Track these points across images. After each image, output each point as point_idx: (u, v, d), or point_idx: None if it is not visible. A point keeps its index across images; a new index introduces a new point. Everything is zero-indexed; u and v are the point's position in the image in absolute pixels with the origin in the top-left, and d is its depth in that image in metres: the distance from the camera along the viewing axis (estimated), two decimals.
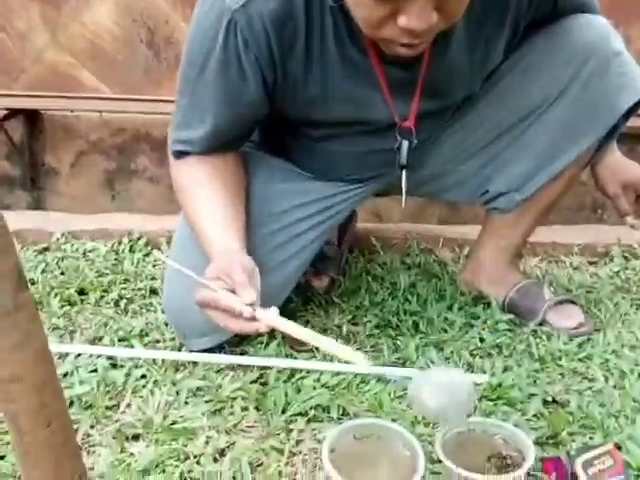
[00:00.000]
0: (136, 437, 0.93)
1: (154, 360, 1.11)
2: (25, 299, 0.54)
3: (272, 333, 1.10)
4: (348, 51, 1.00)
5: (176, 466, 0.87)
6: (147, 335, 1.20)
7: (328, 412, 0.98)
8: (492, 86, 1.17)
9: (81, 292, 1.37)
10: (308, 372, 1.07)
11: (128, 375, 1.07)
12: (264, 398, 1.01)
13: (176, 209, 1.16)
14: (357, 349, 1.07)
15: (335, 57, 1.00)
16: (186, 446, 0.91)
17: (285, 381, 1.06)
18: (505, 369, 1.11)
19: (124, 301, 1.33)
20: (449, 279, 1.43)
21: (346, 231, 1.54)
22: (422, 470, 0.76)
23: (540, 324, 1.25)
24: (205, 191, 1.07)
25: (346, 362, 0.90)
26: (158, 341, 1.19)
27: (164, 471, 0.86)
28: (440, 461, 0.80)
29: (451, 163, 1.26)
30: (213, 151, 1.09)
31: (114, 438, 0.93)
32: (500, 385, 1.04)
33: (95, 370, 1.08)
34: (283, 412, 0.98)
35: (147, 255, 1.55)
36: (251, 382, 1.06)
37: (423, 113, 1.10)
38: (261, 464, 0.89)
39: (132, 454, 0.89)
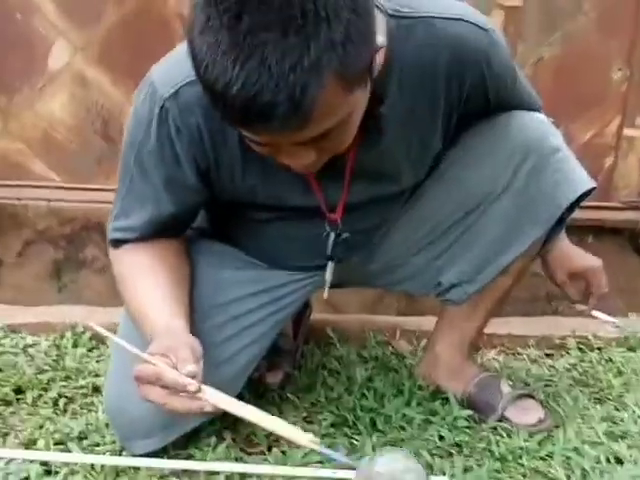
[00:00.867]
0: None
1: (92, 465, 1.04)
2: None
3: (221, 435, 1.05)
4: None
5: None
6: (86, 438, 1.13)
7: None
8: (436, 180, 1.18)
9: (18, 390, 1.29)
10: (259, 477, 1.02)
11: None
12: None
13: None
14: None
15: None
16: None
17: None
18: (465, 469, 1.07)
19: (63, 400, 1.26)
20: (407, 372, 1.40)
21: (301, 322, 1.50)
22: None
23: (499, 420, 1.22)
24: (146, 276, 1.03)
25: (294, 443, 0.87)
26: (98, 444, 1.11)
27: None
28: None
29: (402, 256, 1.26)
30: (154, 237, 1.06)
31: None
32: None
33: (27, 478, 1.01)
34: None
35: (91, 350, 1.47)
36: None
37: (353, 204, 1.09)
38: None
39: None
